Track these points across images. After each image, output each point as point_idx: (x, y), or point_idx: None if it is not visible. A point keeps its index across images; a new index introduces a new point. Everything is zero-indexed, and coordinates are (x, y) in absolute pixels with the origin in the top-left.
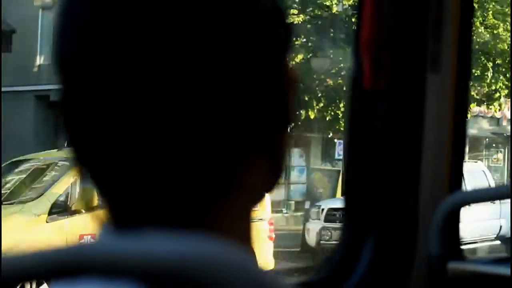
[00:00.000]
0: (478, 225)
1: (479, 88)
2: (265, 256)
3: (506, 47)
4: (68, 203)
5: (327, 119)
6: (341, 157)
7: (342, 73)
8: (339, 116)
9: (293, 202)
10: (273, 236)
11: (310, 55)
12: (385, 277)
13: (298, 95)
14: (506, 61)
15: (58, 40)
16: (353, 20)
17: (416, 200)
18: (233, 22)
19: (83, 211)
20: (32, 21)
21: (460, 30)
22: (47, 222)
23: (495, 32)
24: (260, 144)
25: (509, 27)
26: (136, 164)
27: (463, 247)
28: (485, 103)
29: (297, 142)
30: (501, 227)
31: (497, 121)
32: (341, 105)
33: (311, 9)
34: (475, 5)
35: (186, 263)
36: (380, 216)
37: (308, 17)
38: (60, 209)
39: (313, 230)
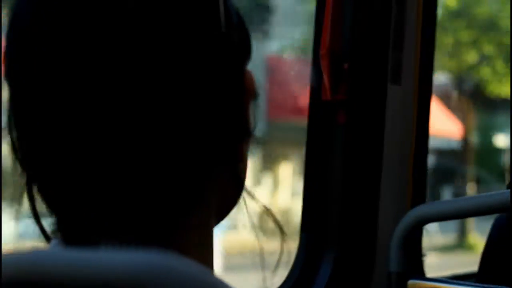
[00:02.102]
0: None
1: None
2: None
3: None
4: None
5: None
6: None
7: None
8: None
9: None
10: None
11: None
12: None
13: (257, 105)
14: None
15: (5, 42)
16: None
17: (375, 215)
18: (191, 31)
19: None
20: None
21: (422, 40)
22: None
23: None
24: (219, 157)
25: None
26: (89, 177)
27: (424, 263)
28: None
29: None
30: None
31: None
32: None
33: None
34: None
35: (129, 275)
36: (339, 231)
37: None
38: None
39: None
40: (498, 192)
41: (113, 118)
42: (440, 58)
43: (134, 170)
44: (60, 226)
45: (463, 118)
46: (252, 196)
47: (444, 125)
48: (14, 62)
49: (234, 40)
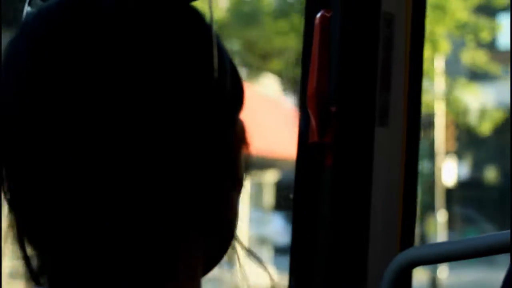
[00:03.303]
0: None
1: None
2: None
3: None
4: None
5: None
6: None
7: None
8: None
9: None
10: None
11: None
12: None
13: (248, 156)
14: None
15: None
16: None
17: (365, 258)
18: (184, 78)
19: None
20: None
21: (409, 81)
22: None
23: None
24: (208, 205)
25: None
26: (76, 230)
27: None
28: None
29: None
30: None
31: None
32: None
33: None
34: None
35: None
36: (328, 274)
37: None
38: None
39: None
40: (497, 233)
41: (100, 168)
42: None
43: (120, 220)
44: (46, 271)
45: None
46: (242, 245)
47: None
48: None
49: (227, 88)
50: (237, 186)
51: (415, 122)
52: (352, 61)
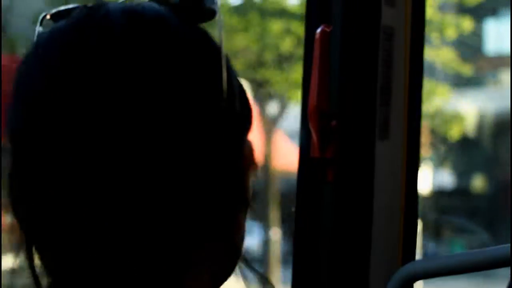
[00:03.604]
0: None
1: None
2: None
3: None
4: None
5: None
6: None
7: None
8: None
9: None
10: None
11: None
12: None
13: (255, 176)
14: None
15: (11, 109)
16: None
17: (367, 272)
18: (194, 101)
19: None
20: None
21: (410, 95)
22: None
23: None
24: (214, 225)
25: None
26: (85, 243)
27: None
28: None
29: None
30: None
31: None
32: None
33: None
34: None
35: None
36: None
37: None
38: None
39: None
40: (497, 247)
41: (109, 185)
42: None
43: (129, 236)
44: (52, 278)
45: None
46: (248, 264)
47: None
48: (22, 134)
49: (236, 110)
50: (244, 207)
51: (415, 135)
52: (352, 75)
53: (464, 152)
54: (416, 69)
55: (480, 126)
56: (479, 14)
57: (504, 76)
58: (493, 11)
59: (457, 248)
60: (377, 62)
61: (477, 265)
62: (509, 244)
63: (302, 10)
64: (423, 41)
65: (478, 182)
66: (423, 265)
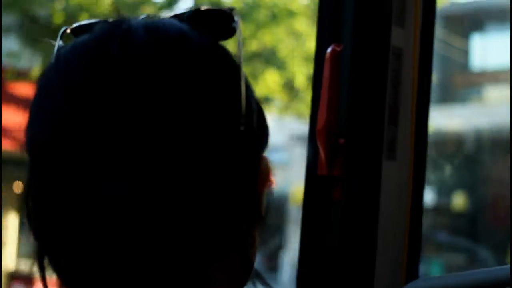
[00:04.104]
0: None
1: None
2: None
3: None
4: None
5: None
6: None
7: None
8: None
9: None
10: None
11: None
12: None
13: (270, 192)
14: None
15: (32, 121)
16: None
17: None
18: (213, 119)
19: None
20: None
21: (417, 115)
22: None
23: None
24: (230, 240)
25: None
26: (101, 257)
27: None
28: None
29: None
30: None
31: None
32: None
33: None
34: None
35: None
36: None
37: None
38: None
39: None
40: (498, 268)
41: (129, 200)
42: None
43: (144, 249)
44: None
45: None
46: (261, 278)
47: None
48: (45, 145)
49: (253, 127)
50: (258, 223)
51: (422, 156)
52: (361, 94)
53: (445, 169)
54: (424, 90)
55: (463, 143)
56: (464, 29)
57: (489, 92)
58: (479, 27)
59: (436, 268)
60: (386, 82)
61: (479, 285)
62: (510, 265)
63: None
64: (431, 61)
65: (459, 200)
66: (427, 283)
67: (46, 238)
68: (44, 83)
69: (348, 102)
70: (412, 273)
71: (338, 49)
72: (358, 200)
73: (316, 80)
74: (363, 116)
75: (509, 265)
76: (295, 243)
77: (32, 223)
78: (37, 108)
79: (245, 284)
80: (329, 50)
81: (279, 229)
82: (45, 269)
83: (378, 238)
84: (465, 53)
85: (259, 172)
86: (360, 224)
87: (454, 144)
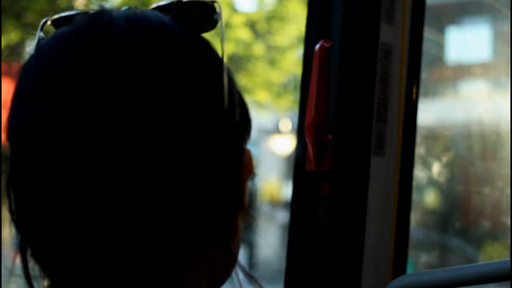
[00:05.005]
0: None
1: None
2: None
3: None
4: None
5: None
6: None
7: None
8: None
9: None
10: None
11: None
12: None
13: (253, 184)
14: None
15: (13, 111)
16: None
17: (358, 285)
18: (195, 110)
19: None
20: None
21: (405, 112)
22: None
23: None
24: (211, 230)
25: None
26: (79, 244)
27: None
28: None
29: None
30: None
31: None
32: None
33: None
34: None
35: None
36: None
37: None
38: None
39: None
40: (497, 261)
41: (107, 188)
42: None
43: (124, 239)
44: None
45: None
46: (244, 270)
47: None
48: (23, 133)
49: (236, 119)
50: (241, 213)
51: (410, 152)
52: (349, 90)
53: (418, 165)
54: (413, 86)
55: (437, 138)
56: (440, 22)
57: (464, 86)
58: (455, 20)
59: (408, 267)
60: (374, 78)
61: (471, 279)
62: (509, 259)
63: None
64: (420, 58)
65: (431, 197)
66: (415, 278)
67: (28, 229)
68: (25, 75)
69: (337, 98)
70: (400, 268)
71: (327, 45)
72: (346, 196)
73: (305, 77)
74: (352, 112)
75: (509, 258)
76: (264, 239)
77: (14, 215)
78: (18, 99)
79: (228, 275)
80: (317, 46)
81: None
82: (28, 261)
83: (366, 233)
84: (441, 46)
85: (242, 164)
86: (347, 219)
87: (429, 139)
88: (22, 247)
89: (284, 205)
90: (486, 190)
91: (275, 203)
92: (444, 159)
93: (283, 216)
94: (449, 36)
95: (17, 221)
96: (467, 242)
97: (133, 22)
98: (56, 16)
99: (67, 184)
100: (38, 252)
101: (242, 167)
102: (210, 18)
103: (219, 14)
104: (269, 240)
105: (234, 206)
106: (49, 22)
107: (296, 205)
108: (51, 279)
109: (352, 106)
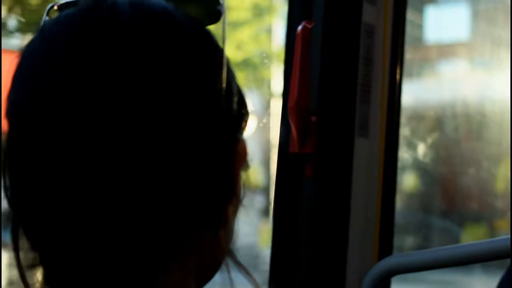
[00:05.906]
0: None
1: None
2: None
3: None
4: None
5: None
6: None
7: None
8: None
9: None
10: None
11: None
12: None
13: (246, 169)
14: None
15: (13, 88)
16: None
17: (343, 267)
18: (193, 98)
19: None
20: None
21: (389, 93)
22: None
23: None
24: (204, 217)
25: None
26: (71, 229)
27: None
28: None
29: None
30: None
31: None
32: None
33: None
34: None
35: None
36: (306, 284)
37: None
38: None
39: None
40: (497, 239)
41: (98, 175)
42: None
43: (115, 223)
44: (46, 276)
45: None
46: (236, 260)
47: None
48: (22, 109)
49: (233, 109)
50: (234, 202)
51: (394, 133)
52: (332, 71)
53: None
54: (396, 67)
55: (417, 120)
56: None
57: (444, 66)
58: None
59: None
60: (357, 59)
61: (479, 256)
62: (509, 236)
63: None
64: (404, 39)
65: (410, 179)
66: (400, 260)
67: (21, 207)
68: (28, 52)
69: (320, 79)
70: (385, 250)
71: (309, 26)
72: (330, 178)
73: (287, 58)
74: (335, 94)
75: (508, 236)
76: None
77: (8, 192)
78: (20, 76)
79: (219, 264)
80: (300, 27)
81: None
82: (19, 239)
83: (351, 214)
84: (419, 26)
85: (236, 153)
86: (332, 201)
87: (408, 121)
88: (14, 225)
89: (262, 190)
90: (471, 170)
91: (253, 188)
92: (424, 140)
93: (260, 201)
94: (428, 16)
95: (10, 198)
96: (451, 224)
97: (137, 6)
98: (62, 1)
99: (61, 161)
100: (29, 230)
101: (237, 156)
102: (213, 10)
103: (223, 6)
104: (246, 226)
105: (227, 194)
106: (55, 7)
107: (279, 187)
108: (40, 253)
109: (336, 87)
